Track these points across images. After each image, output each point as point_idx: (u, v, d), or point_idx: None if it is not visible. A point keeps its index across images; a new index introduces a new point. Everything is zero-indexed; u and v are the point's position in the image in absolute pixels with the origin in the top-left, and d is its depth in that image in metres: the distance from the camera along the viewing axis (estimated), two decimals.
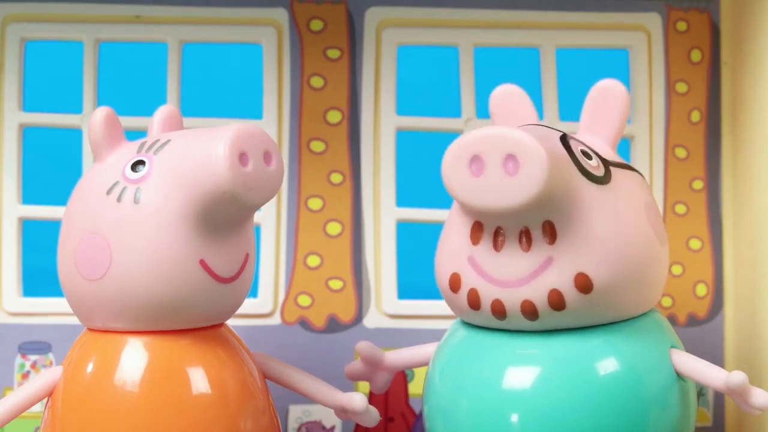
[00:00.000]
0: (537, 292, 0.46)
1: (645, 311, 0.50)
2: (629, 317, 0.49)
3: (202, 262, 0.48)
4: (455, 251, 0.48)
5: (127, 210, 0.48)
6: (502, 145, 0.44)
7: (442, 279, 0.49)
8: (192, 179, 0.48)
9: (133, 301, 0.49)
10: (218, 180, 0.47)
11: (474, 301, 0.48)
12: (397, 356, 0.54)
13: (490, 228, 0.47)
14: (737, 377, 0.47)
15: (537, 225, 0.46)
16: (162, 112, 0.54)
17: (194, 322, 0.50)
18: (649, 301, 0.49)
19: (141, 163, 0.49)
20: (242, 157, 0.47)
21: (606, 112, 0.50)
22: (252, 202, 0.48)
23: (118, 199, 0.49)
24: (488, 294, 0.47)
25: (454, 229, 0.49)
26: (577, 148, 0.48)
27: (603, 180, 0.47)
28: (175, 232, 0.48)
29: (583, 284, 0.46)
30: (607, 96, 0.50)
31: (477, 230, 0.47)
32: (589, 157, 0.48)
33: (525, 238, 0.46)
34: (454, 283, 0.48)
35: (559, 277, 0.46)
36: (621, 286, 0.47)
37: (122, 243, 0.48)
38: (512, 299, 0.47)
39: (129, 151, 0.50)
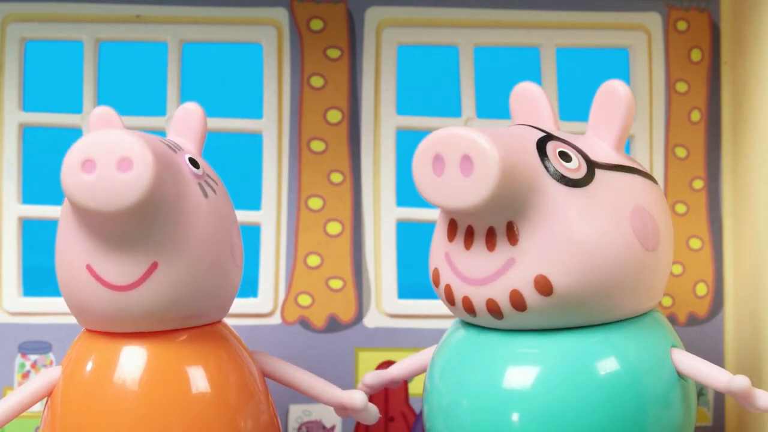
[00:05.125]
0: (500, 292, 0.47)
1: (644, 311, 0.50)
2: (624, 318, 0.49)
3: (89, 267, 0.48)
4: (437, 247, 0.49)
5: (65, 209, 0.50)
6: (459, 145, 0.45)
7: (430, 273, 0.50)
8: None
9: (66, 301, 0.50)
10: (63, 187, 0.46)
11: (449, 297, 0.49)
12: (403, 368, 0.55)
13: (462, 226, 0.48)
14: (740, 382, 0.47)
15: (501, 225, 0.46)
16: (179, 110, 0.53)
17: (117, 326, 0.49)
18: (645, 303, 0.49)
19: None
20: (86, 164, 0.45)
21: (609, 113, 0.50)
22: (103, 210, 0.46)
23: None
24: (460, 291, 0.48)
25: (439, 225, 0.50)
26: (554, 150, 0.47)
27: (579, 182, 0.47)
28: (66, 235, 0.49)
29: (543, 286, 0.46)
30: (610, 97, 0.50)
31: (452, 228, 0.48)
32: (568, 159, 0.47)
33: (491, 237, 0.47)
34: (435, 278, 0.50)
35: (520, 279, 0.46)
36: (587, 290, 0.46)
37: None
38: (479, 297, 0.47)
39: None
